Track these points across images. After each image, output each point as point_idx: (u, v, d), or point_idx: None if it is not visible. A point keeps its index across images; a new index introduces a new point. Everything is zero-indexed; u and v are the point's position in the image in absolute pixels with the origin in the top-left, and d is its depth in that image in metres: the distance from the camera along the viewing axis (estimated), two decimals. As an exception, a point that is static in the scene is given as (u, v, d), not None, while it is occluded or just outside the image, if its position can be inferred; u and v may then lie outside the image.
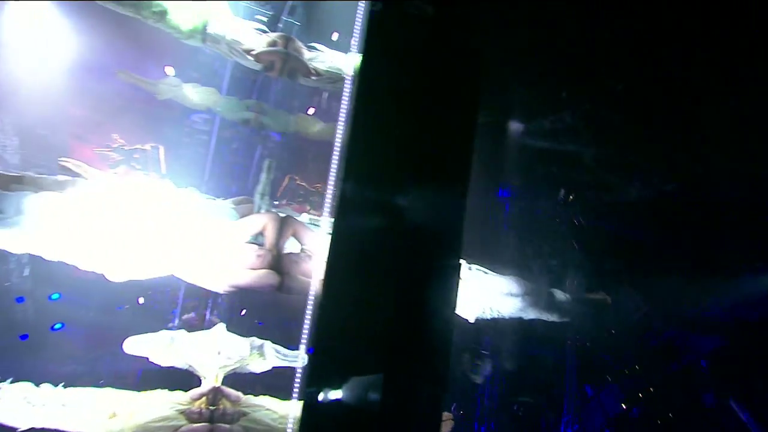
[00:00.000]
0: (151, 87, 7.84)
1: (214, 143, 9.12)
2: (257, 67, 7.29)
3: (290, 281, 5.34)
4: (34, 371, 5.32)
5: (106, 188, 5.11)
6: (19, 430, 4.76)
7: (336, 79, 7.55)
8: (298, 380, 4.99)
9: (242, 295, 7.37)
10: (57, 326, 7.59)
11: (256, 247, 5.35)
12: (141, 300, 8.18)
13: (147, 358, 5.63)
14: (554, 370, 9.12)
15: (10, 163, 6.93)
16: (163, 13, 6.30)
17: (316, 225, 5.97)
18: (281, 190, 9.20)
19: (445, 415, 6.82)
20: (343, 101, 4.96)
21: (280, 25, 8.63)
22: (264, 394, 5.88)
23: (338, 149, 4.39)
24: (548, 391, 9.15)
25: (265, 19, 8.23)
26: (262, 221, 5.45)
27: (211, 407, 5.42)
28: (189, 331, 5.95)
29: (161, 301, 8.40)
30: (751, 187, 7.44)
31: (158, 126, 8.32)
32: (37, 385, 4.99)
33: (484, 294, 6.59)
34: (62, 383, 5.09)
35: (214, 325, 6.18)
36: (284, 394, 5.84)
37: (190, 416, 5.32)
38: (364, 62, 3.21)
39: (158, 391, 5.46)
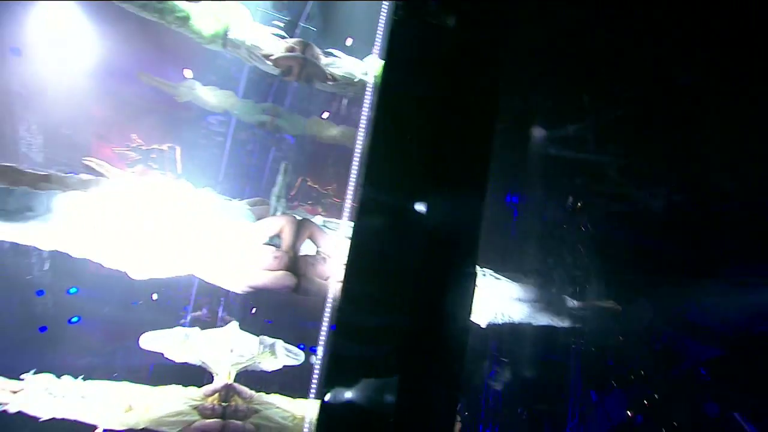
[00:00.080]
0: (171, 89, 8.01)
1: (230, 145, 9.25)
2: (275, 71, 7.40)
3: (306, 283, 5.40)
4: (54, 363, 5.42)
5: (127, 187, 5.23)
6: (41, 420, 4.89)
7: (351, 84, 7.66)
8: (315, 380, 5.07)
9: (253, 294, 7.48)
10: (74, 320, 7.76)
11: (273, 248, 5.43)
12: (155, 296, 8.31)
13: (162, 354, 5.76)
14: (561, 375, 9.14)
15: (35, 161, 7.12)
16: (186, 18, 6.43)
17: (328, 227, 6.05)
18: (294, 192, 9.31)
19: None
20: (363, 107, 5.05)
21: (297, 31, 8.75)
22: (275, 392, 5.95)
23: (358, 154, 4.48)
24: (554, 396, 9.17)
25: (281, 25, 8.35)
26: (280, 223, 5.54)
27: (223, 403, 5.50)
28: (202, 329, 6.07)
29: (174, 298, 8.54)
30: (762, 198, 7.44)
31: (176, 127, 8.50)
32: (58, 376, 5.11)
33: (497, 299, 6.64)
34: (81, 376, 5.21)
35: (227, 323, 6.31)
36: (295, 393, 5.94)
37: (203, 412, 5.40)
38: (385, 70, 3.29)
39: (172, 386, 5.54)
